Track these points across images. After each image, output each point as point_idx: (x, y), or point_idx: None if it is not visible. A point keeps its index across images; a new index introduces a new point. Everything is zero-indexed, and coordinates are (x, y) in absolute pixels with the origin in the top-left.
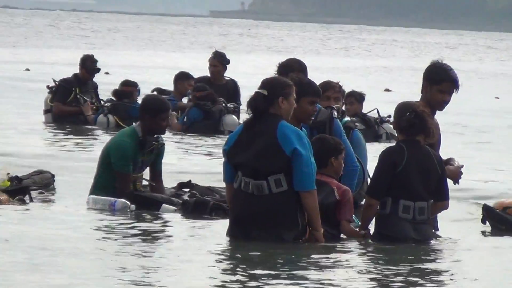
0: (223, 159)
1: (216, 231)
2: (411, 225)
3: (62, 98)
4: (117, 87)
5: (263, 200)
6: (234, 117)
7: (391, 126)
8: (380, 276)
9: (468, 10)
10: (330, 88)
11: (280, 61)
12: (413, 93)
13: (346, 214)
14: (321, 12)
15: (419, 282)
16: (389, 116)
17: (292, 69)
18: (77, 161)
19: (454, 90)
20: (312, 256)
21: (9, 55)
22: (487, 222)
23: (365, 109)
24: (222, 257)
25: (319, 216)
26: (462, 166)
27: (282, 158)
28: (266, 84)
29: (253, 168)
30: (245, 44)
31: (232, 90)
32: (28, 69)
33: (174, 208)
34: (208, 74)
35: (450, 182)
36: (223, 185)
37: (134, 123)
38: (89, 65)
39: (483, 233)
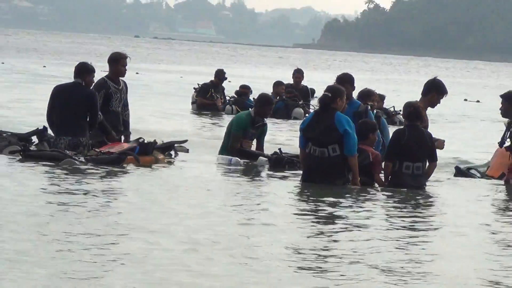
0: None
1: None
2: (411, 177)
3: (203, 95)
4: (237, 89)
5: (325, 160)
6: (300, 109)
7: (401, 116)
8: (388, 205)
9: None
10: (371, 95)
11: (337, 74)
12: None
13: (377, 169)
14: (362, 46)
15: (413, 211)
16: (400, 110)
17: (345, 80)
18: (212, 132)
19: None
20: (350, 193)
21: (169, 68)
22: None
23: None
24: (301, 191)
25: (358, 171)
26: (444, 140)
27: (337, 134)
28: (330, 89)
29: (319, 140)
30: (315, 64)
31: (305, 92)
32: (182, 77)
33: (266, 159)
34: (292, 82)
35: (438, 150)
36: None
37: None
38: (220, 75)
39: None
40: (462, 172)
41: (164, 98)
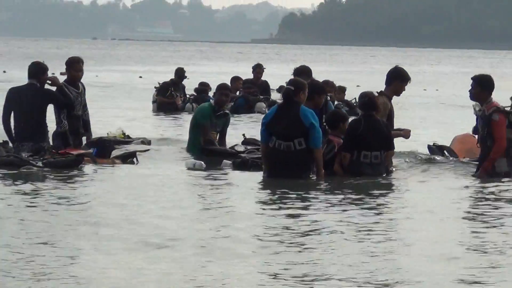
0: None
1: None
2: (369, 166)
3: (163, 94)
4: (197, 86)
5: (290, 154)
6: (262, 103)
7: None
8: (347, 193)
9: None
10: (327, 85)
11: (295, 66)
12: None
13: (337, 159)
14: (323, 39)
15: (369, 196)
16: None
17: (302, 71)
18: (171, 132)
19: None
20: (316, 186)
21: (129, 69)
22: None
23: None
24: (269, 186)
25: (322, 164)
26: (410, 130)
27: (303, 128)
28: (292, 83)
29: (284, 134)
30: (273, 57)
31: (265, 87)
32: (141, 77)
33: (230, 162)
34: (251, 77)
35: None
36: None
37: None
38: (180, 73)
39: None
40: (434, 150)
41: (124, 98)
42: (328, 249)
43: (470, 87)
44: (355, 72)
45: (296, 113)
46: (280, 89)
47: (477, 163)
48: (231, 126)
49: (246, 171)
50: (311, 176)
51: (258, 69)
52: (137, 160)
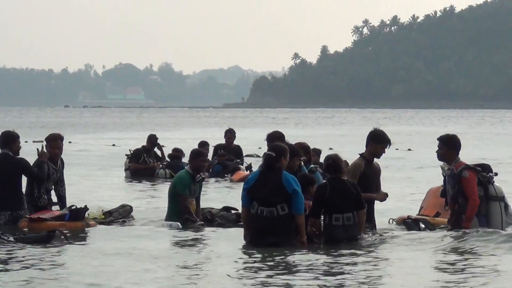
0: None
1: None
2: (342, 228)
3: (136, 160)
4: (170, 152)
5: (273, 219)
6: (241, 166)
7: None
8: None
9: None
10: (301, 148)
11: (268, 132)
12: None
13: (308, 222)
14: (295, 101)
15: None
16: None
17: (275, 137)
18: (149, 199)
19: (388, 146)
20: (297, 252)
21: (101, 136)
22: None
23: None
24: (252, 252)
25: (305, 229)
26: (386, 193)
27: (285, 194)
28: (273, 149)
29: (267, 199)
30: (244, 122)
31: (238, 151)
32: (114, 144)
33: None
34: (223, 141)
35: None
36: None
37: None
38: (152, 140)
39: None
40: (411, 224)
41: (97, 166)
42: None
43: (437, 148)
44: (327, 135)
45: (279, 179)
46: (313, 154)
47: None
48: (213, 191)
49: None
50: (293, 241)
51: (229, 134)
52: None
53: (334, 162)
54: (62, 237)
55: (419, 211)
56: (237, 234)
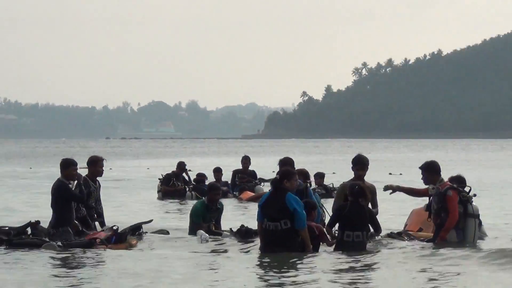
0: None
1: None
2: (351, 244)
3: (166, 183)
4: (195, 177)
5: (278, 233)
6: (260, 186)
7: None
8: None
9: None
10: (301, 173)
11: (280, 158)
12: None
13: (323, 238)
14: (304, 133)
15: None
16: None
17: (286, 162)
18: (176, 216)
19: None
20: (303, 260)
21: (138, 164)
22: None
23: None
24: (263, 260)
25: (309, 241)
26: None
27: (288, 212)
28: (280, 172)
29: (273, 216)
30: (259, 150)
31: (253, 175)
32: (148, 168)
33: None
34: (240, 167)
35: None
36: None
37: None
38: (181, 166)
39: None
40: (395, 236)
41: (135, 188)
42: None
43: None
44: (331, 161)
45: (283, 199)
46: (317, 177)
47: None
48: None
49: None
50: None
51: (245, 160)
52: (142, 231)
53: (361, 188)
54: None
55: (404, 227)
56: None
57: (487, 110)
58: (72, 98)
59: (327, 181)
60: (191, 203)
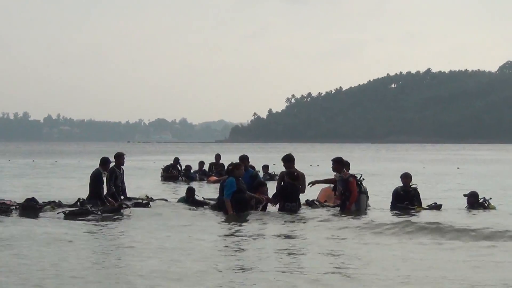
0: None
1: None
2: (289, 209)
3: (166, 171)
4: (184, 167)
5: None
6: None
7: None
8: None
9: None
10: (244, 160)
11: (239, 155)
12: None
13: (269, 201)
14: (253, 139)
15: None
16: (274, 173)
17: (243, 158)
18: (171, 193)
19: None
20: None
21: (147, 158)
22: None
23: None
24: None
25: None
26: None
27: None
28: (231, 164)
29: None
30: (225, 150)
31: (223, 166)
32: (154, 162)
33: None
34: (214, 160)
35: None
36: None
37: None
38: (176, 160)
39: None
40: (310, 204)
41: (145, 174)
42: None
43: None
44: (273, 157)
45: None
46: (263, 169)
47: (338, 207)
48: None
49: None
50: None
51: (217, 156)
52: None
53: (296, 175)
54: (126, 208)
55: (316, 198)
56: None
57: (369, 124)
58: (106, 115)
59: (270, 170)
60: (181, 184)
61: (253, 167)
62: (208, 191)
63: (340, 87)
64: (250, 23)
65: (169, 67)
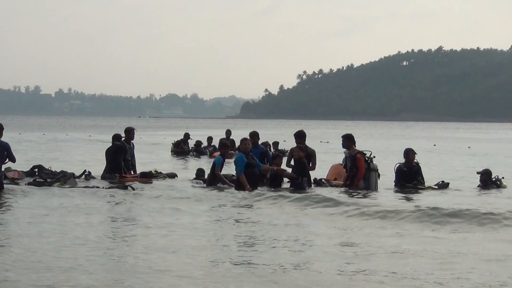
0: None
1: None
2: (303, 184)
3: (176, 147)
4: (195, 142)
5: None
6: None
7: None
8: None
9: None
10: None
11: (249, 131)
12: None
13: (282, 174)
14: (264, 115)
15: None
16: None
17: (253, 134)
18: (180, 168)
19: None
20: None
21: (158, 133)
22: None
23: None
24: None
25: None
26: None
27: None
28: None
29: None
30: (236, 126)
31: (233, 142)
32: (165, 138)
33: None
34: (224, 136)
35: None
36: None
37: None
38: (186, 135)
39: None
40: (319, 183)
41: (155, 149)
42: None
43: (341, 142)
44: (283, 133)
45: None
46: (273, 145)
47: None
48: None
49: None
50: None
51: (227, 132)
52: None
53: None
54: (130, 189)
55: (326, 177)
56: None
57: (381, 101)
58: (117, 90)
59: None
60: (191, 159)
61: (264, 144)
62: None
63: (352, 64)
64: None
65: (180, 42)
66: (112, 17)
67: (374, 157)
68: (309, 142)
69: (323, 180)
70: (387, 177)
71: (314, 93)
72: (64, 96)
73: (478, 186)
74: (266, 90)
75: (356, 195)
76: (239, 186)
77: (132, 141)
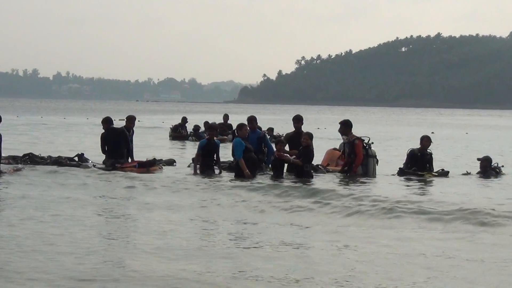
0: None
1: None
2: (309, 171)
3: (174, 131)
4: (193, 127)
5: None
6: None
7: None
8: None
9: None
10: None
11: (247, 116)
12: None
13: (285, 159)
14: (262, 100)
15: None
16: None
17: (250, 119)
18: (178, 153)
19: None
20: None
21: (156, 118)
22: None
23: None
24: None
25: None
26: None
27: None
28: (236, 126)
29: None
30: (233, 111)
31: (230, 126)
32: (163, 122)
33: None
34: (222, 121)
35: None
36: None
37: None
38: (184, 119)
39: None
40: (316, 168)
41: (153, 133)
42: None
43: (339, 127)
44: (280, 119)
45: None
46: (269, 131)
47: (343, 173)
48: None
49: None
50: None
51: (225, 117)
52: (162, 166)
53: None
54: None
55: (321, 162)
56: None
57: (379, 87)
58: (115, 74)
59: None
60: (190, 144)
61: (260, 128)
62: None
63: (350, 50)
64: None
65: (178, 26)
66: (110, 0)
67: (373, 143)
68: (306, 128)
69: (319, 166)
70: (385, 163)
71: (312, 79)
72: (62, 79)
73: (477, 173)
74: (265, 75)
75: (356, 180)
76: (238, 171)
77: (132, 128)
